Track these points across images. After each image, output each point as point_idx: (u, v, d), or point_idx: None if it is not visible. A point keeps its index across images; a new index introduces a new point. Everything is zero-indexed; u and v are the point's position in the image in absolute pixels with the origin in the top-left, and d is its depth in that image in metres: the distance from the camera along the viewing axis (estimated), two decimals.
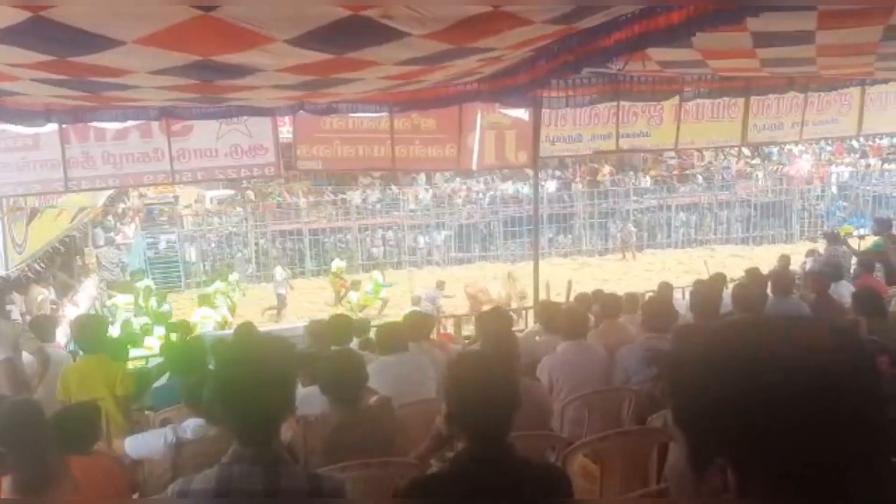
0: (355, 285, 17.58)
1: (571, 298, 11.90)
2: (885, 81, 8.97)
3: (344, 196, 22.73)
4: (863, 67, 6.75)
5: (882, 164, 24.50)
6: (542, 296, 9.93)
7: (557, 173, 24.24)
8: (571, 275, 16.93)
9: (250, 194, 22.92)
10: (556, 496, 1.99)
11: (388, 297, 17.48)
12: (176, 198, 22.19)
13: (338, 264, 18.77)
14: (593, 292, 8.42)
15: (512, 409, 1.99)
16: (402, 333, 4.74)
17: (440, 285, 16.20)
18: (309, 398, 3.92)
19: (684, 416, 0.90)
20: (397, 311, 14.16)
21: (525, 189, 22.08)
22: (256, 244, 21.35)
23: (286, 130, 8.92)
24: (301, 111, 7.04)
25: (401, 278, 19.18)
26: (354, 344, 5.81)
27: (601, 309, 5.99)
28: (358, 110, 7.07)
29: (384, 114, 7.64)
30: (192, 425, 3.58)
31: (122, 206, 21.31)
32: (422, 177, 23.06)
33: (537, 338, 5.88)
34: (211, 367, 4.71)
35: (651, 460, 3.43)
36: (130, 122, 7.50)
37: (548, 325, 5.70)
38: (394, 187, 23.13)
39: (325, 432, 3.23)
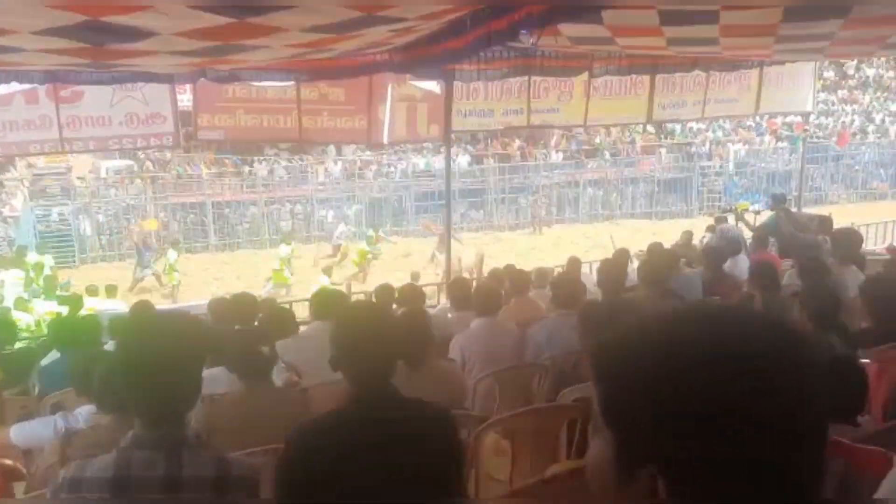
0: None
1: (483, 272, 11.99)
2: (782, 63, 9.35)
3: (249, 168, 22.01)
4: (762, 49, 6.99)
5: (776, 142, 25.78)
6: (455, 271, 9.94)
7: (469, 147, 24.29)
8: (484, 250, 17.05)
9: (149, 165, 21.88)
10: (441, 432, 2.09)
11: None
12: (69, 168, 20.90)
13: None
14: (505, 267, 8.46)
15: (389, 352, 2.13)
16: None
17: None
18: (213, 379, 3.77)
19: (614, 412, 0.81)
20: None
21: (437, 163, 22.02)
22: (156, 217, 20.42)
23: (186, 98, 8.48)
24: (202, 79, 6.71)
25: (310, 254, 18.86)
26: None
27: (511, 285, 6.01)
28: (262, 78, 6.80)
29: (290, 83, 7.38)
30: (84, 412, 3.37)
31: (7, 175, 19.96)
32: (331, 149, 22.60)
33: (449, 315, 5.86)
34: (103, 346, 4.47)
35: (561, 436, 3.46)
36: (14, 87, 6.99)
37: (460, 302, 5.68)
38: (298, 159, 22.58)
39: (230, 411, 3.13)
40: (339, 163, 22.81)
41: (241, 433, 2.98)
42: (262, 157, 22.62)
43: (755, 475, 0.73)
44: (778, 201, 9.67)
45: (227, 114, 8.09)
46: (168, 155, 21.42)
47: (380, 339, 2.12)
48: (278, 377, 3.84)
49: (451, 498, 2.08)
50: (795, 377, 0.75)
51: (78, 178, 20.80)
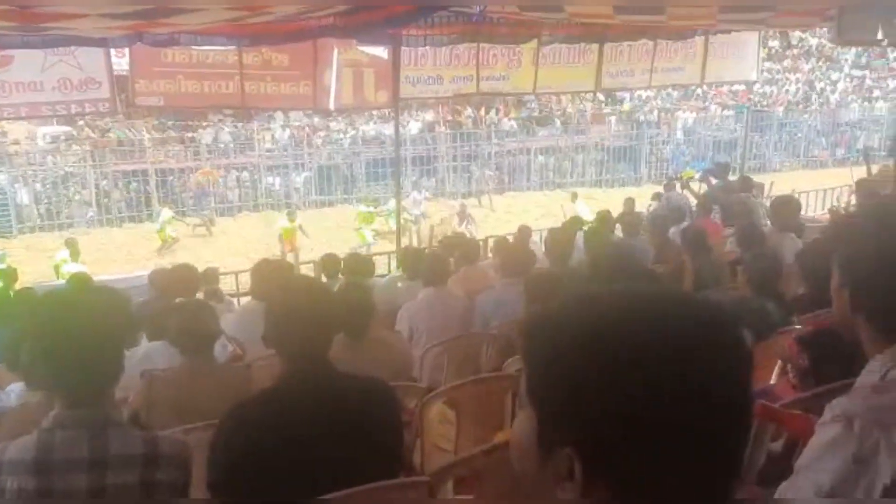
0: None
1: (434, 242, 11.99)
2: (728, 32, 9.44)
3: (193, 134, 21.39)
4: (707, 19, 7.03)
5: (722, 111, 26.20)
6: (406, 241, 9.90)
7: (420, 115, 24.05)
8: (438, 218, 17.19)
9: (89, 131, 21.09)
10: (379, 406, 2.09)
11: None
12: (3, 133, 20.06)
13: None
14: (454, 235, 8.46)
15: (320, 327, 2.08)
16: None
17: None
18: (155, 353, 3.69)
19: (537, 391, 0.81)
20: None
21: (387, 130, 21.75)
22: (97, 186, 19.73)
23: (124, 62, 8.13)
24: (139, 42, 6.45)
25: (258, 222, 18.56)
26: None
27: (461, 254, 6.01)
28: (201, 42, 6.56)
29: (232, 47, 7.15)
30: (17, 389, 3.27)
31: None
32: (278, 115, 22.11)
33: (399, 284, 5.84)
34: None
35: (506, 405, 3.48)
36: None
37: (411, 272, 5.66)
38: (243, 126, 22.03)
39: (173, 387, 3.07)
40: (287, 129, 22.34)
41: (181, 409, 2.93)
42: (205, 124, 22.00)
43: (672, 463, 0.73)
44: (721, 170, 9.87)
45: (165, 79, 7.75)
46: (108, 121, 20.69)
47: (309, 314, 2.07)
48: (222, 352, 3.77)
49: (390, 470, 2.08)
50: (718, 362, 0.75)
51: (13, 144, 19.99)
